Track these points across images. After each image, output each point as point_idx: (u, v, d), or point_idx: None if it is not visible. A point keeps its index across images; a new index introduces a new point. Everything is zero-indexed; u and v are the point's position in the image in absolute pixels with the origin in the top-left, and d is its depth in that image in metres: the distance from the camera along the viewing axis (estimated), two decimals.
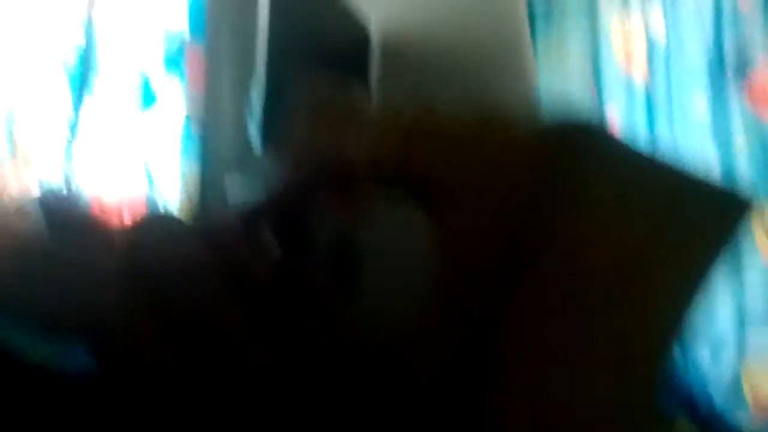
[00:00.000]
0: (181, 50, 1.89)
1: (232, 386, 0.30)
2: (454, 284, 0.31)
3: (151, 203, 1.73)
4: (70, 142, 1.48)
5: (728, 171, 1.96)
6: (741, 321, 1.82)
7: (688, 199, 0.39)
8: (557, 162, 0.32)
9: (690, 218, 0.39)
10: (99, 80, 1.62)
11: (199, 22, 1.94)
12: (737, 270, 1.84)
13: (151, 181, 1.74)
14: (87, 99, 1.54)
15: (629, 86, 2.11)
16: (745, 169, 1.94)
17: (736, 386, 1.78)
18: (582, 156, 0.33)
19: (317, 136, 0.43)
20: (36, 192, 1.31)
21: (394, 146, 0.37)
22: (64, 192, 1.40)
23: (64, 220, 1.23)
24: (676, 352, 1.84)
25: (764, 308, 1.81)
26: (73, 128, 1.50)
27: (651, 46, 2.11)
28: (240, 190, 1.56)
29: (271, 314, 0.35)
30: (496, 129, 0.34)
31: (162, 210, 1.74)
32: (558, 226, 0.32)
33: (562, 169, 0.31)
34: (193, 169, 1.85)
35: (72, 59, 1.54)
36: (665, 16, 2.10)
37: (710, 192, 0.39)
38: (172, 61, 1.87)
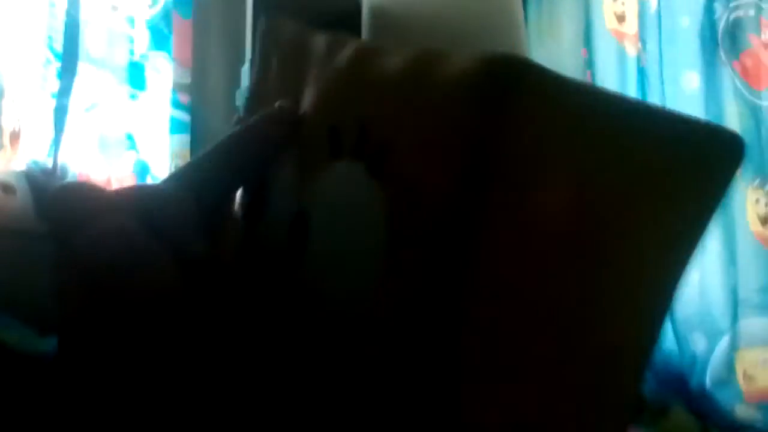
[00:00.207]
0: (168, 22, 1.86)
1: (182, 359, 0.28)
2: (404, 241, 0.29)
3: (140, 179, 1.71)
4: (57, 119, 1.46)
5: None
6: (734, 308, 1.82)
7: (667, 133, 0.33)
8: (498, 99, 0.28)
9: (674, 157, 0.33)
10: (85, 56, 1.59)
11: None
12: (731, 256, 1.84)
13: (140, 158, 1.72)
14: (73, 75, 1.52)
15: (621, 59, 2.10)
16: None
17: (729, 373, 1.79)
18: (527, 89, 0.29)
19: (272, 83, 0.40)
20: (24, 169, 1.29)
21: (337, 97, 0.34)
22: (52, 170, 1.38)
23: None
24: (670, 338, 1.85)
25: (757, 295, 1.81)
26: (59, 104, 1.47)
27: (643, 18, 2.10)
28: None
29: (229, 287, 0.33)
30: (432, 70, 0.30)
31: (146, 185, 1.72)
32: (510, 168, 0.28)
33: (504, 105, 0.28)
34: (183, 144, 1.83)
35: (58, 35, 1.51)
36: None
37: (694, 127, 0.32)
38: (159, 34, 1.84)
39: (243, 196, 0.36)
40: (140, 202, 0.31)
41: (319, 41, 0.38)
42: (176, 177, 0.34)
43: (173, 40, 1.85)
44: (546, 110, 0.29)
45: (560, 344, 0.32)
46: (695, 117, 0.31)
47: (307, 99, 0.35)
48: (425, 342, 0.28)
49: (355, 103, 0.32)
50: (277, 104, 0.36)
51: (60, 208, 0.30)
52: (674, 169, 0.31)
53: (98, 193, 0.31)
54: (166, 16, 1.86)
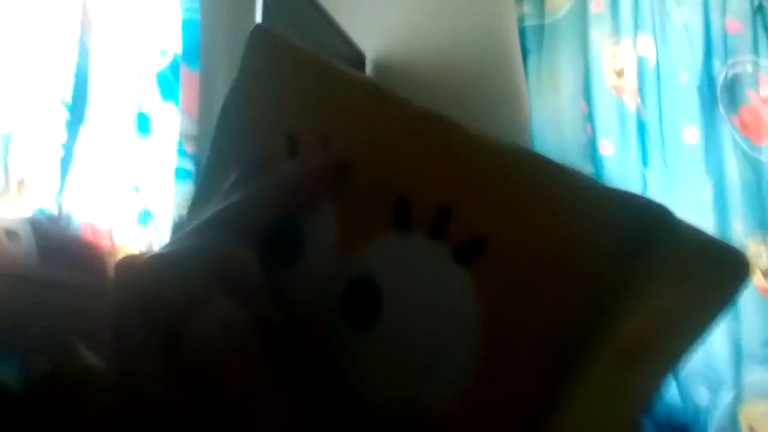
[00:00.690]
0: (176, 73, 1.89)
1: None
2: (500, 361, 0.24)
3: (145, 227, 1.72)
4: (63, 167, 1.47)
5: (720, 199, 1.96)
6: (738, 359, 1.81)
7: (715, 258, 0.33)
8: (632, 248, 0.25)
9: (697, 277, 0.34)
10: (93, 105, 1.62)
11: (193, 45, 1.94)
12: (734, 309, 1.83)
13: (144, 206, 1.73)
14: (81, 124, 1.54)
15: (621, 113, 2.13)
16: (737, 197, 1.95)
17: (733, 427, 1.77)
18: (659, 248, 0.27)
19: (271, 103, 0.35)
20: (29, 216, 1.30)
21: (402, 160, 0.29)
22: (57, 217, 1.39)
23: (56, 245, 1.23)
24: (674, 392, 1.83)
25: (761, 348, 1.80)
26: (66, 153, 1.49)
27: (642, 73, 2.13)
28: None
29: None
30: (553, 175, 0.27)
31: (158, 239, 1.73)
32: (618, 319, 0.26)
33: (637, 259, 0.25)
34: (188, 194, 1.84)
35: (66, 84, 1.54)
36: (655, 41, 2.12)
37: (721, 250, 0.32)
38: (167, 85, 1.87)
39: (264, 235, 0.32)
40: (221, 272, 0.28)
41: (350, 79, 0.34)
42: (221, 227, 0.30)
43: (181, 91, 1.88)
44: (669, 271, 0.28)
45: None
46: (706, 234, 0.31)
47: (348, 141, 0.31)
48: None
49: (432, 176, 0.28)
50: (320, 157, 0.32)
51: (153, 292, 0.27)
52: (696, 292, 0.31)
53: (178, 267, 0.28)
54: (174, 67, 1.89)
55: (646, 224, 0.27)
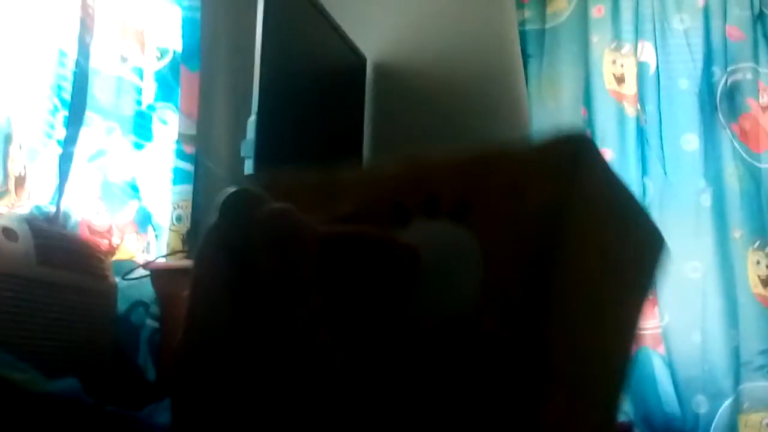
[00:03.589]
0: (175, 74, 1.89)
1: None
2: (493, 277, 0.39)
3: (142, 228, 1.71)
4: (62, 166, 1.47)
5: (719, 207, 1.96)
6: (736, 368, 1.80)
7: (646, 223, 0.47)
8: (568, 171, 0.40)
9: (647, 245, 0.47)
10: (93, 105, 1.61)
11: (193, 44, 1.94)
12: (733, 318, 1.82)
13: (142, 207, 1.73)
14: (80, 123, 1.53)
15: (621, 119, 2.12)
16: (736, 204, 1.94)
17: None
18: (589, 166, 0.42)
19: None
20: (27, 215, 1.30)
21: (418, 177, 0.43)
22: (55, 216, 1.38)
23: (54, 244, 1.22)
24: (673, 400, 1.83)
25: (760, 358, 1.80)
26: (65, 152, 1.48)
27: (642, 79, 2.13)
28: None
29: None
30: (504, 153, 0.43)
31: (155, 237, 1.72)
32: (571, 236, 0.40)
33: (574, 178, 0.40)
34: (185, 194, 1.84)
35: (67, 83, 1.53)
36: (656, 48, 2.12)
37: (651, 222, 0.47)
38: (166, 85, 1.87)
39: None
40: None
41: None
42: None
43: (180, 92, 1.88)
44: (597, 188, 0.39)
45: (597, 364, 0.43)
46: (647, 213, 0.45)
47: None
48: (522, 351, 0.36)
49: (442, 180, 0.41)
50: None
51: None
52: (642, 253, 0.41)
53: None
54: (174, 68, 1.88)
55: (569, 160, 0.41)
